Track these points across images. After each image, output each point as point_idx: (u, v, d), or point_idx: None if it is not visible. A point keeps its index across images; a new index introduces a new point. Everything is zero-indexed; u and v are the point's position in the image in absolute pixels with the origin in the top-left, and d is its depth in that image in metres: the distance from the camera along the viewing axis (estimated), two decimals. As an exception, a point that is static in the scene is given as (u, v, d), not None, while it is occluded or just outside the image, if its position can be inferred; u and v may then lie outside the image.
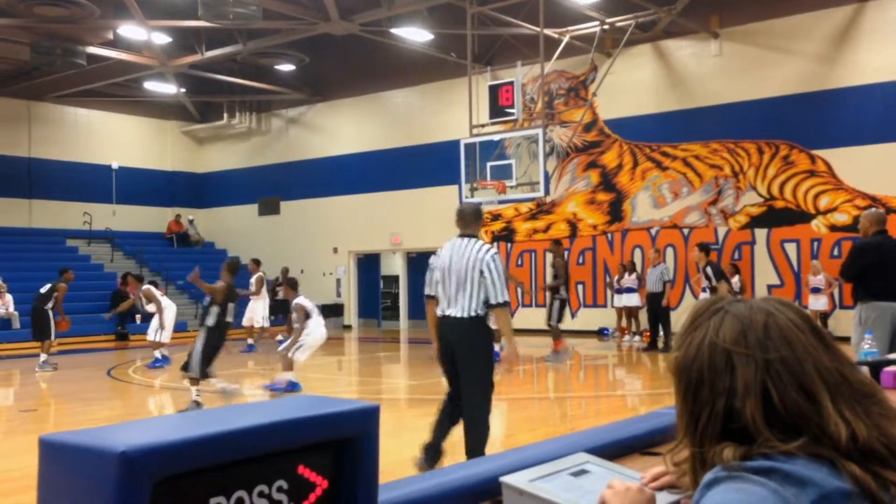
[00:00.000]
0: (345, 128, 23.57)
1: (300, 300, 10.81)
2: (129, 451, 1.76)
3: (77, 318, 17.97)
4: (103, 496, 1.78)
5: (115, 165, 24.60)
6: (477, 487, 2.90)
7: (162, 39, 18.96)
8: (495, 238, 20.57)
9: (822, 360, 1.25)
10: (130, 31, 18.03)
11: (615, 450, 2.83)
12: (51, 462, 1.86)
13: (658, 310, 14.83)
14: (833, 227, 16.10)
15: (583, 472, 1.86)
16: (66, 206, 23.50)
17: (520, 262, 20.24)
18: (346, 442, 2.26)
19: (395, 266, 23.04)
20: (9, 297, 18.64)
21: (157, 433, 1.97)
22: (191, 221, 25.78)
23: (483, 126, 17.64)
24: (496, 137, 17.21)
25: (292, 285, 11.14)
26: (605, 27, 17.89)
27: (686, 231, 17.88)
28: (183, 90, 23.26)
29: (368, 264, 23.48)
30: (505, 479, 1.87)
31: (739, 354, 1.24)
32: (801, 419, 1.20)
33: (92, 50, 18.73)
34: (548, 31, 17.58)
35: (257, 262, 17.06)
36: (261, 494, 2.08)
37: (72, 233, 23.26)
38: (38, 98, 22.88)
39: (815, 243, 16.37)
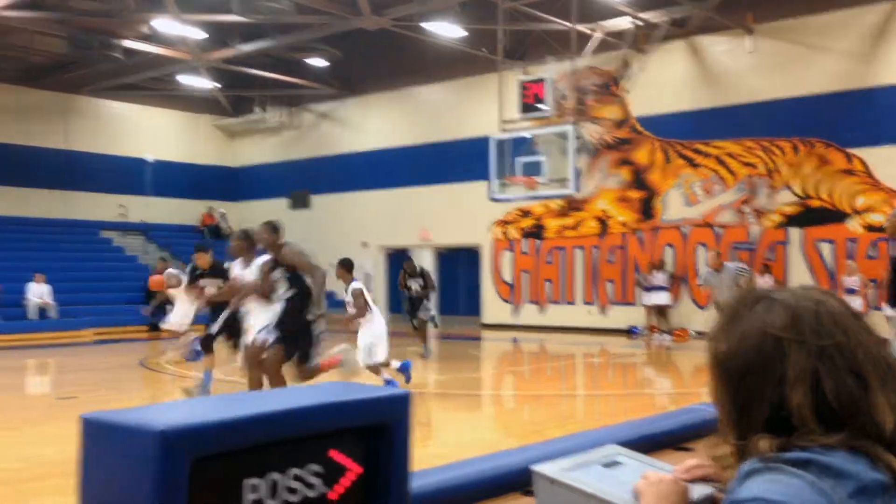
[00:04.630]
0: (375, 123, 23.64)
1: (359, 284, 9.63)
2: (168, 430, 1.80)
3: (111, 308, 18.25)
4: (143, 473, 1.83)
5: (149, 158, 24.89)
6: (508, 477, 2.92)
7: (196, 34, 19.13)
8: (525, 235, 20.52)
9: (871, 347, 1.24)
10: (165, 25, 18.22)
11: (647, 444, 2.82)
12: (92, 440, 1.91)
13: None
14: (869, 228, 15.86)
15: (615, 463, 1.86)
16: (101, 198, 23.82)
17: (549, 260, 20.18)
18: (378, 429, 2.28)
19: (423, 261, 23.08)
20: (46, 288, 18.93)
21: (195, 414, 2.01)
22: (222, 214, 26.00)
23: (513, 122, 17.61)
24: (526, 133, 17.17)
25: (348, 267, 9.85)
26: (640, 23, 17.77)
27: (718, 230, 17.72)
28: (216, 84, 23.46)
29: (397, 259, 23.55)
30: (536, 467, 1.87)
31: (792, 341, 1.23)
32: (851, 406, 1.19)
33: (127, 44, 18.95)
34: (580, 27, 17.50)
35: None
36: (295, 478, 2.12)
37: (106, 224, 23.57)
38: (74, 91, 23.19)
39: (851, 244, 16.15)
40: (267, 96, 24.86)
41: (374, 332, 9.45)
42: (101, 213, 23.66)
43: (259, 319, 7.76)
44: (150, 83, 22.83)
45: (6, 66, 20.98)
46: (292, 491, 2.05)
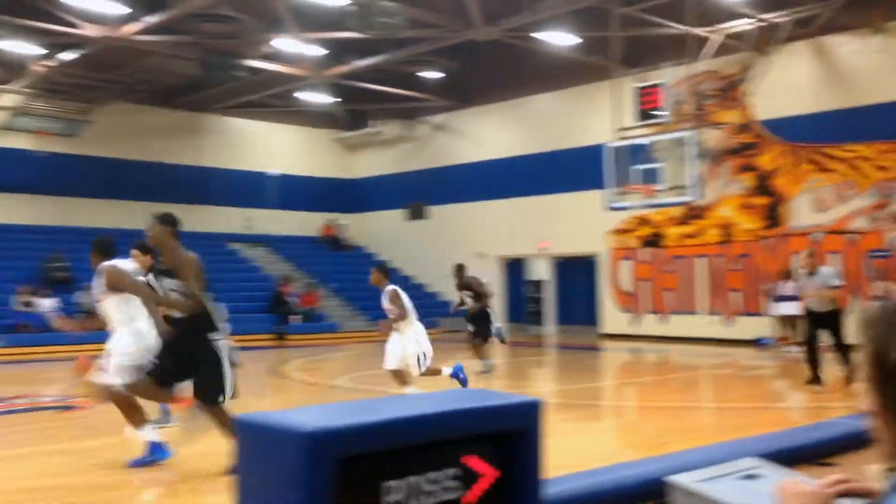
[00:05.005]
0: (490, 133, 23.76)
1: (394, 287, 9.29)
2: (316, 431, 1.88)
3: (240, 317, 18.95)
4: (291, 471, 1.91)
5: (272, 173, 25.81)
6: (641, 487, 2.88)
7: (315, 51, 19.73)
8: (644, 243, 20.14)
9: None
10: (286, 44, 18.87)
11: (785, 458, 2.73)
12: (245, 439, 2.01)
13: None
14: None
15: (754, 476, 1.81)
16: (228, 211, 24.87)
17: (670, 269, 19.74)
18: (511, 435, 2.30)
19: (539, 271, 22.98)
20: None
21: (339, 417, 2.08)
22: (342, 226, 26.70)
23: (629, 129, 17.35)
24: (643, 141, 16.89)
25: (384, 271, 9.49)
26: (762, 24, 17.20)
27: (852, 236, 16.90)
28: (335, 99, 24.13)
29: (513, 269, 23.54)
30: (672, 479, 1.84)
31: None
32: None
33: (251, 63, 19.74)
34: (697, 31, 17.10)
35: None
36: (431, 480, 2.16)
37: (233, 237, 24.57)
38: (203, 110, 24.33)
39: None
40: (383, 110, 25.38)
41: (409, 338, 9.15)
42: (228, 225, 24.70)
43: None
44: (272, 100, 23.69)
45: (142, 89, 22.20)
46: (429, 493, 2.09)
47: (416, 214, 25.68)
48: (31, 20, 16.80)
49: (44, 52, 18.80)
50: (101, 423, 8.68)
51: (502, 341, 13.74)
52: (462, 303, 12.77)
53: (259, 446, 1.91)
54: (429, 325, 22.76)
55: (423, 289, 25.03)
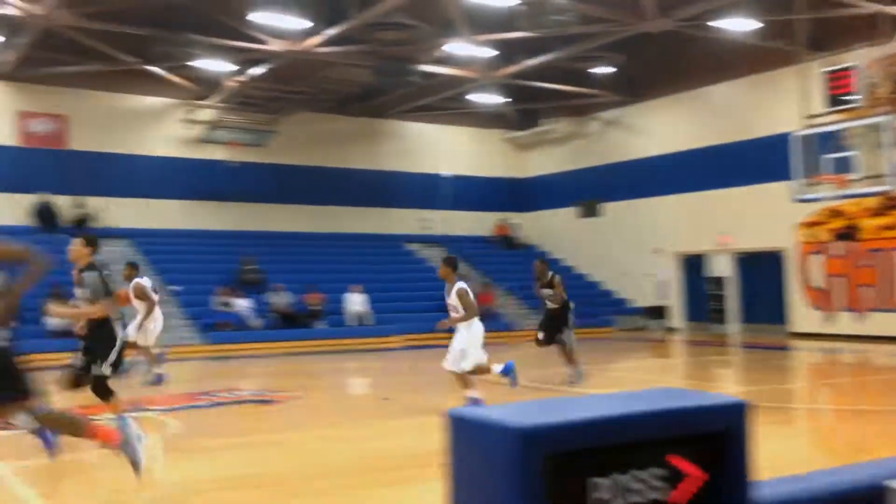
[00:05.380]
0: (664, 127, 23.16)
1: (464, 285, 8.86)
2: (528, 428, 1.94)
3: (418, 316, 19.50)
4: (503, 466, 1.98)
5: (445, 174, 26.36)
6: (855, 492, 2.74)
7: (485, 53, 19.97)
8: (837, 236, 18.94)
9: None
10: (457, 47, 19.21)
11: None
12: (456, 433, 2.10)
13: None
14: None
15: None
16: (404, 213, 25.66)
17: (866, 263, 18.46)
18: (717, 436, 2.26)
19: (721, 267, 22.14)
20: (363, 297, 20.60)
21: (548, 414, 2.13)
22: (515, 225, 26.88)
23: (818, 116, 16.40)
24: (834, 128, 15.92)
25: (453, 266, 9.01)
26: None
27: None
28: (505, 99, 24.31)
29: (692, 265, 22.82)
30: (892, 483, 1.75)
31: None
32: None
33: (424, 68, 20.25)
34: (890, 9, 15.91)
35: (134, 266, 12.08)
36: (636, 479, 2.16)
37: (409, 237, 25.31)
38: (379, 116, 25.23)
39: None
40: (553, 107, 25.32)
41: (471, 336, 8.84)
42: (404, 226, 25.47)
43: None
44: (444, 103, 24.20)
45: (324, 98, 23.30)
46: (635, 491, 2.10)
47: (589, 212, 25.44)
48: (224, 39, 18.06)
49: (236, 68, 20.14)
50: (300, 416, 9.22)
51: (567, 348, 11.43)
52: (544, 302, 11.53)
53: (470, 441, 1.99)
54: (603, 325, 22.55)
55: (596, 287, 24.76)
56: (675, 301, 22.64)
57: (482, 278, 22.54)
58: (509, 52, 20.42)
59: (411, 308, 20.90)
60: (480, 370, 8.95)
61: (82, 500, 5.73)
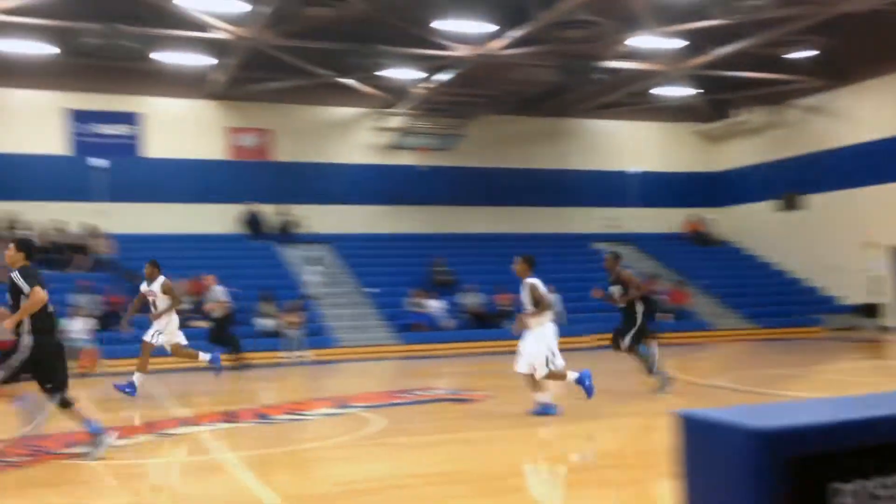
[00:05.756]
0: (872, 111, 21.56)
1: (534, 280, 8.54)
2: (770, 430, 1.88)
3: (607, 315, 19.20)
4: (740, 469, 1.93)
5: (633, 170, 25.83)
6: None
7: (673, 44, 19.39)
8: None
9: None
10: (643, 40, 18.77)
11: None
12: (691, 436, 2.08)
13: None
14: None
15: None
16: (590, 212, 25.36)
17: None
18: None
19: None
20: (556, 297, 20.53)
21: (787, 416, 2.06)
22: (709, 221, 25.91)
23: None
24: None
25: (530, 263, 8.66)
26: None
27: None
28: (694, 91, 23.49)
29: (907, 259, 21.07)
30: None
31: None
32: None
33: (608, 64, 19.95)
34: None
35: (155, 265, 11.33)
36: (883, 486, 2.04)
37: (596, 236, 24.99)
38: (563, 115, 25.10)
39: None
40: (747, 97, 24.19)
41: (545, 338, 8.45)
42: (591, 226, 25.18)
43: None
44: (629, 99, 23.73)
45: (508, 100, 23.50)
46: (880, 498, 1.98)
47: (790, 205, 24.08)
48: (412, 48, 18.64)
49: (423, 75, 20.73)
50: (497, 414, 9.34)
51: (629, 351, 10.81)
52: (612, 299, 10.86)
53: (706, 444, 1.96)
54: (809, 324, 21.25)
55: (799, 283, 23.41)
56: (889, 298, 20.99)
57: (675, 276, 21.90)
58: (698, 41, 19.73)
59: (601, 307, 20.62)
60: (555, 376, 8.60)
61: (304, 490, 6.09)
